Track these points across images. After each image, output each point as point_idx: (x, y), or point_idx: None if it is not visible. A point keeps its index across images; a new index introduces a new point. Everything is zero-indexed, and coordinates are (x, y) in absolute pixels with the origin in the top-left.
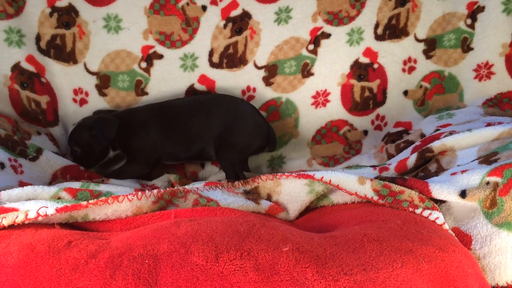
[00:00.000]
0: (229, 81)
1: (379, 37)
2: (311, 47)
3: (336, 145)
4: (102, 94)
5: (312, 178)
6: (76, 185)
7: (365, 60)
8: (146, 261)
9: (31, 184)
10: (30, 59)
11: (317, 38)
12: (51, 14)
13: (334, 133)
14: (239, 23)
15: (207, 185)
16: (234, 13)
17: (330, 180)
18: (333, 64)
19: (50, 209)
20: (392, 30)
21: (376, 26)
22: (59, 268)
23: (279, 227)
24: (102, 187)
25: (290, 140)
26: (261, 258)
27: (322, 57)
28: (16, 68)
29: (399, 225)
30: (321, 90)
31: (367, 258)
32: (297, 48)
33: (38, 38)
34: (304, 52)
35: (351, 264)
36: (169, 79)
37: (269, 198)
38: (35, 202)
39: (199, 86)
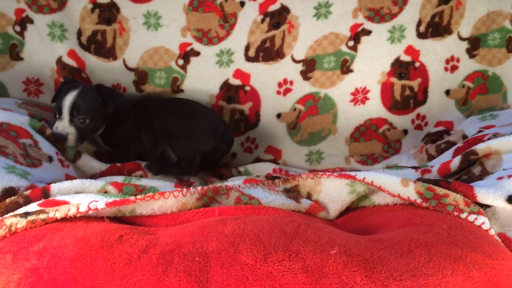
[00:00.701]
0: (265, 74)
1: (421, 35)
2: (351, 43)
3: (375, 143)
4: (139, 90)
5: (353, 179)
6: (119, 179)
7: (406, 58)
8: (197, 259)
9: (75, 178)
10: (72, 53)
11: (357, 34)
12: (92, 10)
13: (373, 131)
14: (277, 18)
15: (248, 183)
16: (272, 7)
17: (372, 181)
18: (373, 61)
19: (100, 203)
20: (435, 28)
21: (419, 23)
22: (113, 262)
23: (324, 228)
24: (144, 182)
25: (328, 136)
26: (309, 260)
27: (362, 54)
28: (59, 62)
29: (446, 230)
30: (361, 88)
31: (416, 264)
32: (337, 44)
33: (79, 33)
34: (344, 48)
35: (400, 269)
36: (204, 76)
37: (309, 196)
38: (85, 196)
39: (233, 81)
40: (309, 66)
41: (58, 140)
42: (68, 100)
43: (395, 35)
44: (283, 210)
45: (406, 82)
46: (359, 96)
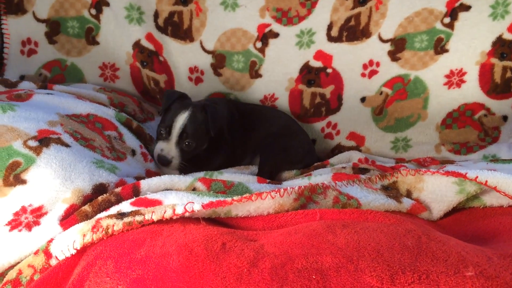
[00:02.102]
0: (348, 55)
1: None
2: (446, 20)
3: (470, 130)
4: (217, 73)
5: (463, 177)
6: (200, 174)
7: (510, 36)
8: (314, 277)
9: (157, 173)
10: (149, 37)
11: (455, 10)
12: None
13: (467, 117)
14: None
15: (344, 179)
16: None
17: (486, 181)
18: (472, 40)
19: (196, 205)
20: None
21: None
22: (223, 276)
23: (448, 241)
24: (226, 176)
25: (417, 122)
26: (443, 284)
27: (460, 32)
28: (137, 46)
29: None
30: (456, 69)
31: None
32: (430, 21)
33: (156, 15)
34: (439, 25)
35: None
36: (283, 58)
37: (408, 194)
38: (176, 194)
39: (314, 63)
40: (398, 46)
41: (160, 163)
42: (179, 122)
43: (498, 11)
44: (392, 215)
45: (508, 63)
46: (454, 78)
